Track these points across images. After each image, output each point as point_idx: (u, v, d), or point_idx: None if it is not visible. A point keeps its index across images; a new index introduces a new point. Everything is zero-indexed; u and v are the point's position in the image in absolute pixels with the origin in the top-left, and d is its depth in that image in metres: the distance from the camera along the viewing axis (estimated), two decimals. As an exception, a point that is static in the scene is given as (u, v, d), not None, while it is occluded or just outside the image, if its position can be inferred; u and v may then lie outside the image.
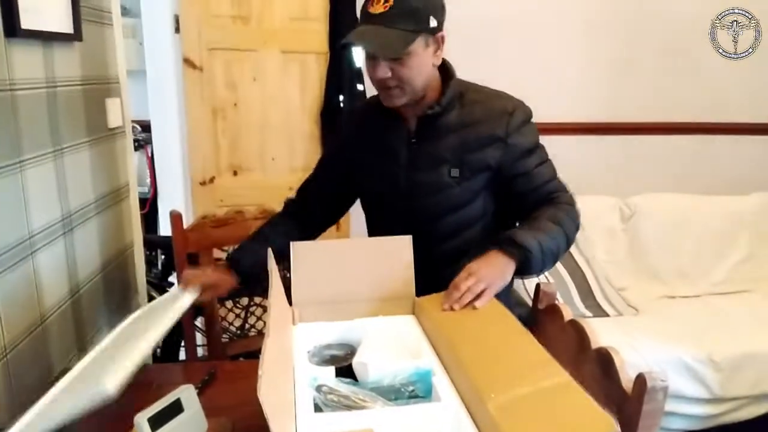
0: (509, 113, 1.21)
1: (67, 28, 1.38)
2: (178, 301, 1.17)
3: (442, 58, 1.22)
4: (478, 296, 1.06)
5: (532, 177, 1.23)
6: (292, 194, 1.44)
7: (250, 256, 1.29)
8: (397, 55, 1.12)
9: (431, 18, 1.14)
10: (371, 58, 1.16)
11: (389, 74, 1.15)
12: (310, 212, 1.36)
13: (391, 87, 1.17)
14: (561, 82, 2.69)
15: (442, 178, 1.23)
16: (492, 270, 1.09)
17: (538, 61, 2.66)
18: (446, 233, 1.26)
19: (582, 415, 0.74)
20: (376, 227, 1.40)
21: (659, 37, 2.69)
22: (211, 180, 2.57)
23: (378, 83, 1.18)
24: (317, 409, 0.88)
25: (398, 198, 1.28)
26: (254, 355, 1.73)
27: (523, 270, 1.12)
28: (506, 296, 1.21)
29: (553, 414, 0.77)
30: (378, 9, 1.10)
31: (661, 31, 2.68)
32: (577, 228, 1.22)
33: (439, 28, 1.16)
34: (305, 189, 1.42)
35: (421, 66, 1.16)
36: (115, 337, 1.17)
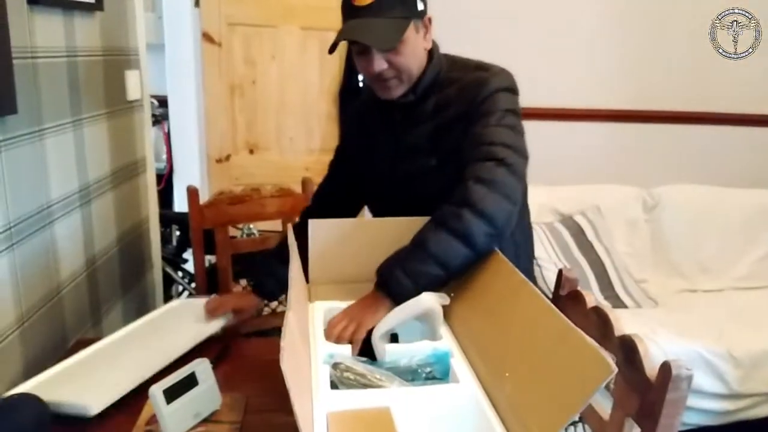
0: (481, 84, 1.12)
1: (88, -4, 1.37)
2: (208, 326, 1.22)
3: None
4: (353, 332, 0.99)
5: (474, 136, 1.09)
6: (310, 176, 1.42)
7: (272, 281, 1.28)
8: (393, 45, 1.08)
9: (418, 1, 1.10)
10: (362, 53, 1.11)
11: (385, 66, 1.11)
12: (329, 217, 1.28)
13: (388, 78, 1.13)
14: (587, 69, 2.63)
15: (421, 168, 1.19)
16: (360, 308, 1.02)
17: (564, 48, 2.59)
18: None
19: (584, 365, 0.72)
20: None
21: (684, 25, 2.62)
22: (227, 158, 2.57)
23: (375, 77, 1.13)
24: (333, 386, 0.87)
25: (388, 191, 1.26)
26: (267, 333, 1.73)
27: (390, 296, 1.02)
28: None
29: (560, 373, 0.76)
30: (365, 1, 1.06)
31: (687, 20, 2.61)
32: (478, 211, 1.01)
33: (425, 10, 1.13)
34: (320, 195, 1.40)
35: (414, 52, 1.12)
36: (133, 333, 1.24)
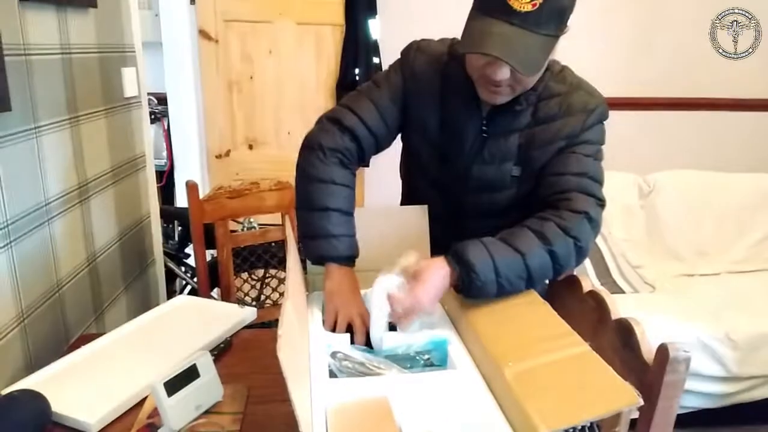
0: (589, 111, 1.09)
1: (81, -7, 1.37)
2: (214, 336, 1.21)
3: None
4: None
5: (565, 160, 1.07)
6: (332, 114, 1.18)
7: (353, 243, 1.12)
8: (538, 70, 1.00)
9: (569, 18, 1.00)
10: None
11: (508, 77, 1.00)
12: (360, 156, 1.17)
13: (502, 86, 1.03)
14: (582, 57, 2.61)
15: (503, 177, 1.13)
16: (421, 291, 0.95)
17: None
18: (489, 226, 1.08)
19: (603, 385, 0.72)
20: (413, 192, 1.29)
21: (680, 11, 2.61)
22: (227, 153, 2.57)
23: (487, 81, 1.03)
24: (332, 375, 0.88)
25: (452, 185, 1.18)
26: (269, 326, 1.74)
27: (465, 288, 0.97)
28: None
29: (571, 384, 0.76)
30: (524, 6, 0.92)
31: (683, 7, 2.61)
32: (578, 247, 1.01)
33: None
34: (358, 129, 1.15)
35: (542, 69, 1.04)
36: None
